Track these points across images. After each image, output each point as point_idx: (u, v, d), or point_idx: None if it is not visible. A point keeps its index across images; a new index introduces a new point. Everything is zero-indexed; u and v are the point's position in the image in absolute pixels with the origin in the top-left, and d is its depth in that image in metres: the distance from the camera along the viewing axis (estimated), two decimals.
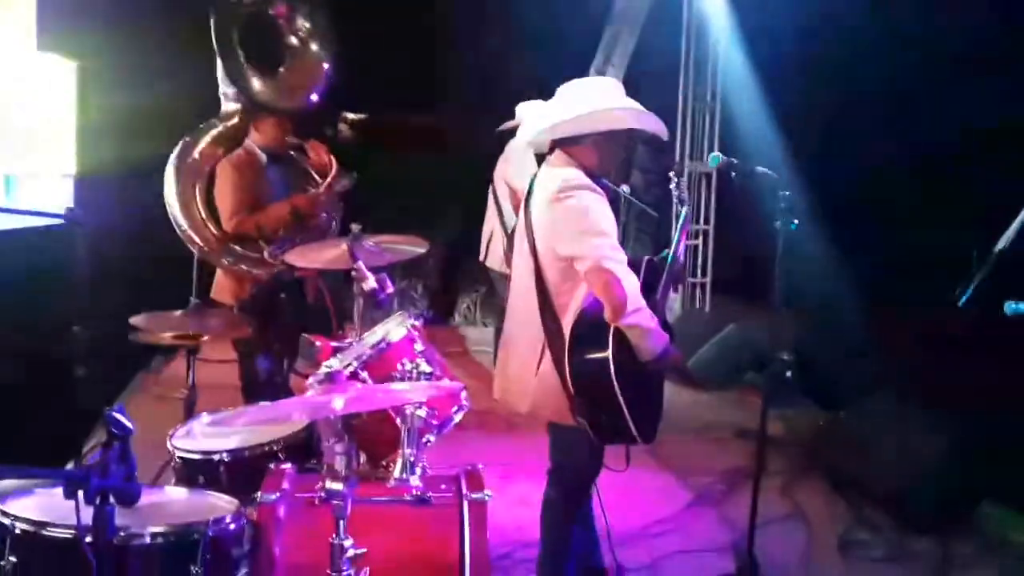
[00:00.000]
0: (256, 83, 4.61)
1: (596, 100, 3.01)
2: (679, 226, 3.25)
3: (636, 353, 2.89)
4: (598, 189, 2.99)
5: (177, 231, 4.57)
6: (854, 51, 5.60)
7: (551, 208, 2.96)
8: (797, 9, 5.92)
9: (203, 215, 4.58)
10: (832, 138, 5.95)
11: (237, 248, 4.51)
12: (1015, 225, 3.23)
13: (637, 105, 3.05)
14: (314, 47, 4.75)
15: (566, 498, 3.22)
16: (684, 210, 3.28)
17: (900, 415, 4.66)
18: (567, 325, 2.95)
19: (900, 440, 4.45)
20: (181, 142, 4.69)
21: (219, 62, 4.71)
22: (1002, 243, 3.14)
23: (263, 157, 4.57)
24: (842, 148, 5.92)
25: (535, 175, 3.19)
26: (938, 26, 5.28)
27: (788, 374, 6.12)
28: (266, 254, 4.41)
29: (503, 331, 3.29)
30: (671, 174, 3.40)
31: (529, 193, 3.15)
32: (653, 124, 3.08)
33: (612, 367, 2.81)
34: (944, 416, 4.30)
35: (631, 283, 2.84)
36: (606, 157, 3.06)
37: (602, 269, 2.81)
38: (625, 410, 2.82)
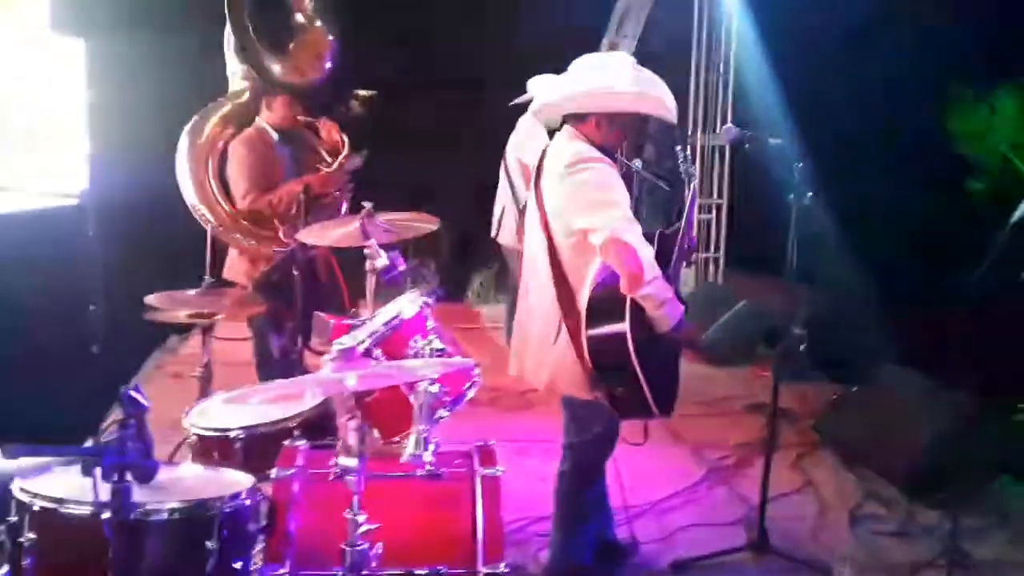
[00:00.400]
0: (269, 61, 4.61)
1: (604, 78, 3.00)
2: (688, 200, 3.22)
3: (653, 324, 2.88)
4: (608, 160, 2.99)
5: (191, 209, 4.60)
6: (867, 23, 5.53)
7: (563, 182, 2.96)
8: None
9: (216, 193, 4.61)
10: (848, 109, 5.89)
11: (251, 227, 4.53)
12: None
13: (651, 84, 3.00)
14: (318, 23, 4.75)
15: (581, 473, 3.23)
16: (693, 184, 3.24)
17: (910, 389, 4.65)
18: (582, 299, 2.95)
19: (910, 414, 4.45)
20: (191, 121, 4.70)
21: (227, 40, 4.72)
22: (1016, 216, 3.13)
23: (274, 135, 4.58)
24: (855, 120, 5.86)
25: (544, 150, 3.18)
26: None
27: (801, 348, 6.11)
28: (281, 233, 4.44)
29: (517, 309, 3.28)
30: (677, 148, 3.36)
31: (539, 168, 3.15)
32: (658, 108, 3.03)
33: (630, 339, 2.80)
34: (954, 390, 4.28)
35: (646, 253, 2.83)
36: (612, 135, 3.05)
37: (617, 240, 2.79)
38: (644, 382, 2.81)
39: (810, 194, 3.31)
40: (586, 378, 2.94)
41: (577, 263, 2.98)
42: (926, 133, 5.40)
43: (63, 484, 2.30)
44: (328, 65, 4.78)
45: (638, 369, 2.80)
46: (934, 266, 4.64)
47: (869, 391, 4.91)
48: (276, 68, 4.64)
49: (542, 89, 3.46)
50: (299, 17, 4.77)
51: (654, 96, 3.01)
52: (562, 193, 2.97)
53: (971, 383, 3.89)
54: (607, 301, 2.86)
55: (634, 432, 3.15)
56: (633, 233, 2.84)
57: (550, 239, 3.02)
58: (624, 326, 2.81)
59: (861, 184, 5.71)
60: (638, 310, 2.84)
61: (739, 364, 6.53)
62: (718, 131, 7.26)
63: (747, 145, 3.48)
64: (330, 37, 4.78)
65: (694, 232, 3.33)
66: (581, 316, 2.92)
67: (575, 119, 3.04)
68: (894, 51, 5.55)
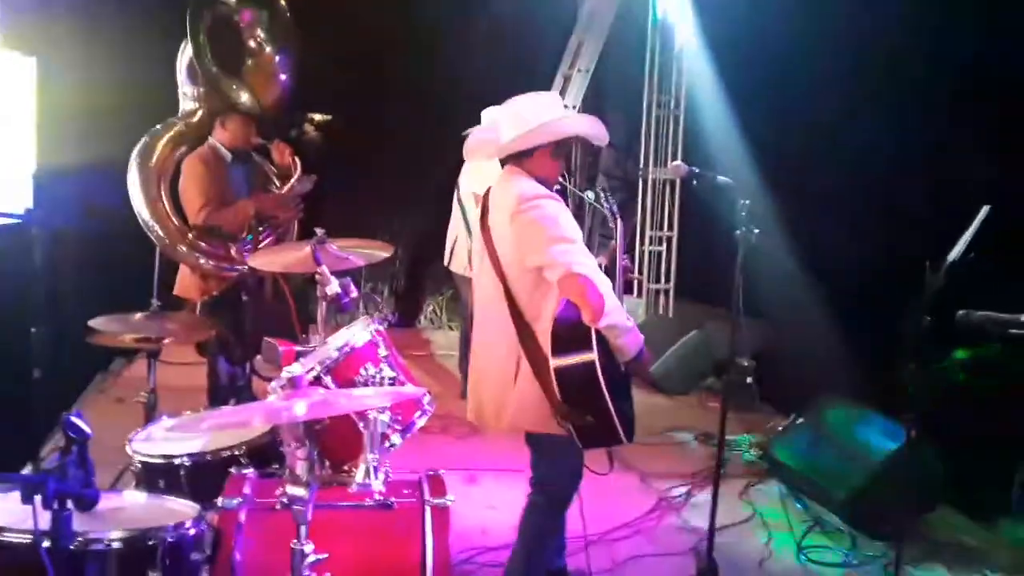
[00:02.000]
0: (226, 83, 4.61)
1: (540, 113, 3.07)
2: (618, 238, 3.29)
3: (616, 353, 2.93)
4: (556, 196, 3.04)
5: (144, 227, 4.55)
6: (819, 55, 5.68)
7: (513, 222, 2.99)
8: (762, 15, 6.00)
9: (168, 210, 4.58)
10: (799, 144, 6.03)
11: (202, 244, 4.49)
12: (966, 236, 3.31)
13: (578, 115, 3.22)
14: (268, 48, 4.76)
15: (553, 506, 3.25)
16: (619, 222, 3.33)
17: (855, 419, 4.74)
18: (541, 333, 2.97)
19: (854, 444, 4.53)
20: (141, 141, 4.66)
21: (180, 61, 4.69)
22: (953, 254, 3.23)
23: (227, 155, 4.56)
24: (809, 155, 5.99)
25: (486, 193, 3.23)
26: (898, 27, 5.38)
27: (749, 380, 6.21)
28: (233, 251, 4.42)
29: (472, 351, 3.30)
30: (599, 189, 3.50)
31: (484, 209, 3.18)
32: (593, 127, 3.17)
33: (599, 367, 2.84)
34: (896, 421, 4.38)
35: (605, 285, 2.88)
36: (553, 166, 3.12)
37: (575, 275, 2.83)
38: (612, 410, 2.85)
39: (756, 231, 3.38)
40: (552, 412, 2.95)
41: (533, 299, 3.01)
42: (881, 167, 5.55)
43: (1, 512, 2.23)
44: (278, 91, 4.78)
45: (607, 396, 2.84)
46: (883, 300, 4.75)
47: (814, 421, 4.99)
48: (233, 90, 4.63)
49: (476, 134, 3.53)
50: (251, 42, 4.76)
51: (588, 119, 3.17)
52: (514, 233, 3.00)
53: (911, 415, 3.97)
54: (571, 333, 2.89)
55: (597, 461, 3.17)
56: (589, 266, 2.88)
57: (503, 278, 3.04)
58: (593, 355, 2.85)
59: (812, 218, 5.84)
60: (601, 339, 2.89)
61: (687, 394, 6.61)
62: (669, 165, 7.37)
63: (695, 182, 3.56)
64: (278, 61, 4.78)
65: (626, 260, 3.42)
66: (544, 350, 2.94)
67: (517, 157, 3.10)
68: (850, 86, 5.70)
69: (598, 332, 2.87)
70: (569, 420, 2.91)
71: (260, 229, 4.51)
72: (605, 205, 3.40)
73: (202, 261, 4.50)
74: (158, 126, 4.78)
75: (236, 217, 4.43)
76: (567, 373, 2.88)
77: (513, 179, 3.08)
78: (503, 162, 3.20)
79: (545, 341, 2.94)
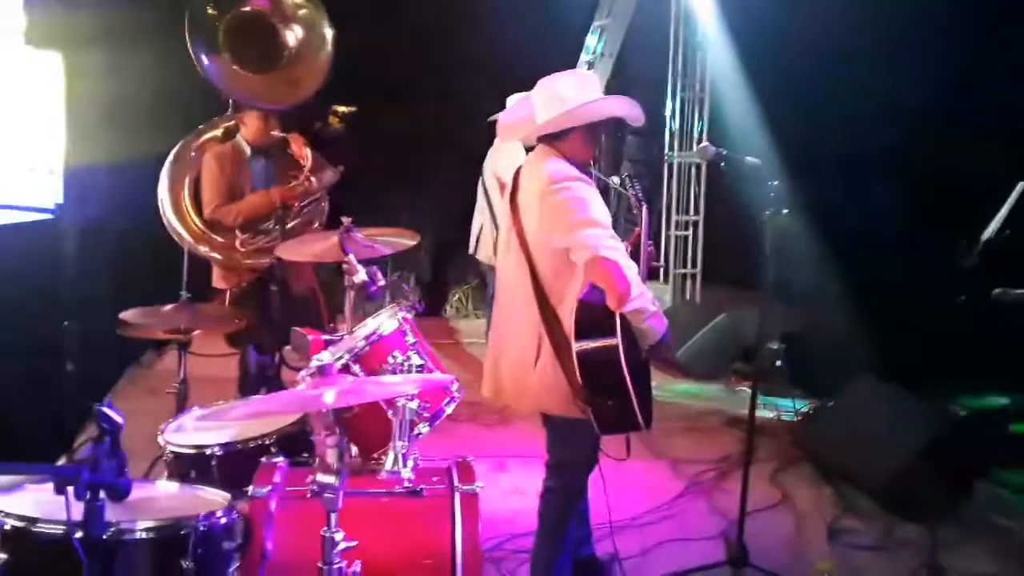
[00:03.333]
0: (238, 83, 4.59)
1: (578, 94, 3.03)
2: (643, 224, 3.25)
3: (640, 337, 2.92)
4: (587, 179, 3.02)
5: (164, 220, 4.60)
6: (842, 40, 5.61)
7: (542, 202, 2.97)
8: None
9: (187, 204, 4.63)
10: (820, 127, 5.97)
11: (213, 236, 4.56)
12: (1001, 213, 3.26)
13: (614, 97, 3.13)
14: (320, 31, 4.69)
15: (568, 490, 3.24)
16: (644, 208, 3.27)
17: (885, 402, 4.69)
18: (565, 316, 2.95)
19: (885, 427, 4.48)
20: (183, 140, 4.72)
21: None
22: (988, 233, 3.18)
23: (247, 150, 4.59)
24: (830, 137, 5.93)
25: (517, 171, 3.20)
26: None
27: (777, 363, 6.16)
28: (238, 243, 4.47)
29: (492, 330, 3.28)
30: (625, 176, 3.45)
31: (514, 188, 3.16)
32: (630, 110, 3.13)
33: (621, 352, 2.82)
34: (929, 402, 4.33)
35: (631, 269, 2.87)
36: (587, 149, 3.10)
37: (602, 258, 2.81)
38: (633, 396, 2.83)
39: (785, 211, 3.34)
40: (572, 395, 2.94)
41: (557, 281, 2.99)
42: (906, 150, 5.48)
43: (35, 503, 2.26)
44: (317, 85, 4.74)
45: (628, 382, 2.82)
46: (911, 280, 4.70)
47: (845, 404, 4.95)
48: (247, 89, 4.60)
49: (512, 114, 3.48)
50: (292, 35, 4.71)
51: (625, 100, 3.11)
52: (542, 212, 2.98)
53: (946, 395, 3.93)
54: (595, 316, 2.87)
55: (617, 448, 3.15)
56: (617, 250, 2.86)
57: (529, 258, 3.03)
58: (616, 340, 2.82)
59: (838, 199, 5.78)
60: (626, 324, 2.86)
61: (716, 379, 6.57)
62: (695, 149, 7.32)
63: (723, 164, 3.52)
64: (325, 59, 4.73)
65: (651, 247, 3.37)
66: (567, 332, 2.93)
67: (552, 138, 3.07)
68: (873, 70, 5.63)
69: (622, 317, 2.85)
70: (589, 404, 2.90)
71: (287, 220, 4.53)
72: (631, 191, 3.36)
73: (212, 255, 4.56)
74: (201, 125, 4.82)
75: (250, 210, 4.48)
76: (589, 357, 2.86)
77: (545, 159, 3.05)
78: (535, 143, 3.17)
79: (568, 323, 2.92)
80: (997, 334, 4.12)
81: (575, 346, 2.88)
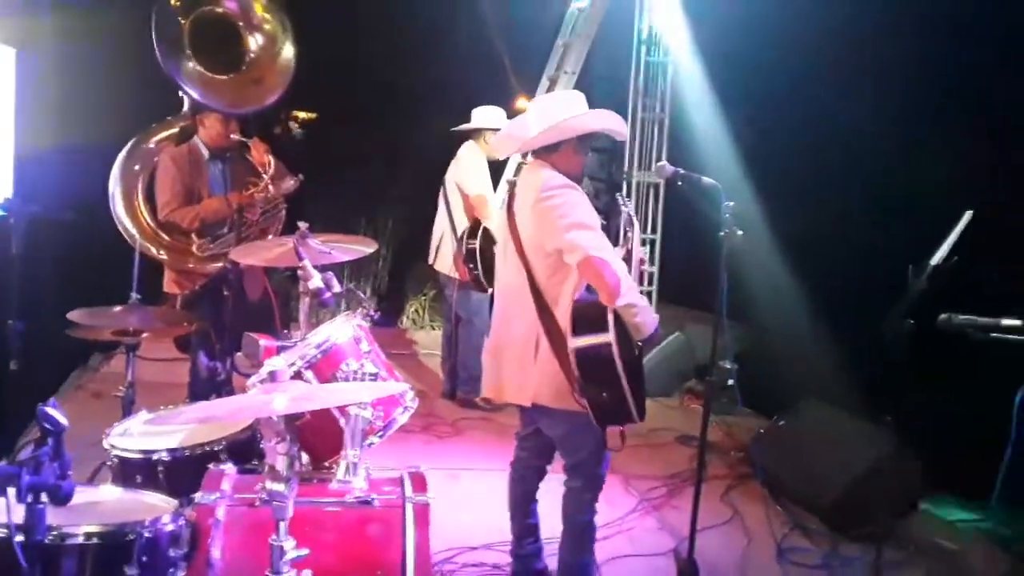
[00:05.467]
0: (200, 83, 4.55)
1: (570, 108, 3.27)
2: (634, 234, 3.42)
3: (634, 331, 3.09)
4: (578, 187, 3.22)
5: (113, 217, 4.54)
6: (806, 61, 5.71)
7: (536, 208, 3.15)
8: (748, 20, 6.03)
9: (140, 203, 4.59)
10: (784, 148, 6.06)
11: (164, 237, 4.51)
12: (949, 240, 3.33)
13: (600, 111, 3.33)
14: (279, 46, 4.69)
15: (590, 485, 3.34)
16: (635, 223, 3.49)
17: (833, 423, 4.76)
18: (561, 316, 3.12)
19: (835, 448, 4.55)
20: (135, 138, 4.66)
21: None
22: (936, 259, 3.24)
23: (205, 153, 4.54)
24: (793, 158, 6.03)
25: (514, 181, 3.39)
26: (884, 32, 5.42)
27: (730, 382, 6.23)
28: (195, 247, 4.43)
29: (491, 334, 3.43)
30: (618, 195, 3.69)
31: (511, 198, 3.35)
32: (617, 124, 3.36)
33: (615, 347, 2.95)
34: (877, 424, 4.40)
35: (621, 267, 3.03)
36: (576, 160, 3.32)
37: (593, 258, 2.98)
38: (627, 390, 2.96)
39: (740, 232, 3.40)
40: (570, 388, 3.07)
41: (552, 281, 3.17)
42: (864, 171, 5.59)
43: None
44: (272, 99, 4.73)
45: (623, 376, 2.95)
46: (866, 304, 4.76)
47: (795, 425, 5.01)
48: (210, 91, 4.56)
49: (507, 129, 3.65)
50: (255, 39, 4.69)
51: (609, 114, 3.32)
52: (536, 218, 3.16)
53: (891, 418, 3.98)
54: (590, 313, 3.01)
55: (610, 439, 3.24)
56: (607, 250, 3.05)
57: (526, 262, 3.21)
58: (609, 336, 2.96)
59: (798, 221, 5.87)
60: (619, 321, 3.01)
61: (670, 396, 6.63)
62: (653, 168, 7.39)
63: (680, 183, 3.59)
64: (288, 64, 4.71)
65: (643, 254, 3.64)
66: (563, 330, 3.08)
67: (545, 151, 3.28)
68: (833, 92, 5.74)
69: (614, 314, 2.98)
70: (585, 397, 3.02)
71: (243, 227, 4.49)
72: (624, 208, 3.56)
73: (163, 255, 4.51)
74: (154, 124, 4.75)
75: (207, 214, 4.44)
76: (585, 353, 2.99)
77: (539, 170, 3.25)
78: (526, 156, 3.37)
79: (564, 322, 3.09)
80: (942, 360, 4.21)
81: (571, 343, 3.02)
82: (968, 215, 3.34)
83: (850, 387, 5.05)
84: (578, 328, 3.02)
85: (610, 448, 3.27)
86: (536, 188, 3.17)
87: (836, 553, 4.14)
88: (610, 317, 2.98)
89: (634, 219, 3.51)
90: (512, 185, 3.42)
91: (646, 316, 3.10)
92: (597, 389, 3.00)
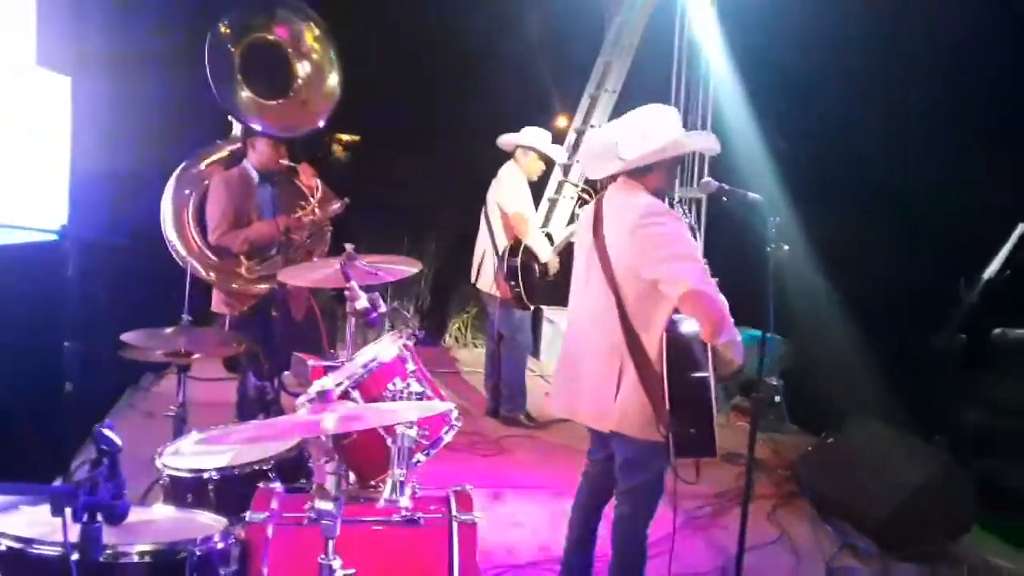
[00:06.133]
0: (251, 109, 4.64)
1: (661, 130, 3.16)
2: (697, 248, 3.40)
3: (725, 366, 3.05)
4: (678, 215, 3.18)
5: (166, 240, 4.64)
6: (848, 73, 5.66)
7: (634, 234, 3.07)
8: (789, 33, 5.99)
9: (191, 224, 4.67)
10: (826, 162, 6.00)
11: (213, 258, 4.59)
12: (1002, 253, 3.27)
13: (699, 133, 3.31)
14: (326, 74, 4.78)
15: (641, 514, 3.31)
16: (700, 237, 3.44)
17: (884, 440, 4.68)
18: (649, 343, 3.07)
19: (886, 466, 4.47)
20: (185, 161, 4.76)
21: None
22: (988, 272, 3.19)
23: (255, 177, 4.63)
24: (836, 172, 5.97)
25: (600, 200, 3.30)
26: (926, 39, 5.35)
27: (777, 399, 6.15)
28: (243, 269, 4.50)
29: (563, 356, 3.38)
30: (677, 206, 3.58)
31: (597, 218, 3.26)
32: (714, 143, 3.31)
33: (712, 383, 2.94)
34: (928, 441, 4.31)
35: (724, 303, 2.99)
36: (671, 179, 3.29)
37: (699, 292, 2.93)
38: (715, 425, 2.97)
39: (786, 247, 3.37)
40: (654, 420, 3.03)
41: (643, 308, 3.09)
42: (912, 185, 5.51)
43: (32, 524, 2.24)
44: (319, 122, 4.81)
45: (713, 412, 2.96)
46: (914, 319, 4.69)
47: (844, 442, 4.93)
48: (261, 116, 4.66)
49: (590, 149, 3.54)
50: (303, 67, 4.79)
51: (708, 135, 3.34)
52: (635, 244, 3.07)
53: (942, 435, 3.92)
54: (686, 347, 2.99)
55: (685, 471, 3.22)
56: (711, 284, 2.99)
57: (615, 287, 3.12)
58: (708, 373, 2.96)
59: (841, 235, 5.80)
60: (713, 356, 2.99)
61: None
62: (696, 184, 7.36)
63: (725, 199, 3.54)
64: (334, 91, 4.79)
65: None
66: (651, 360, 3.05)
67: (637, 172, 3.18)
68: (879, 106, 5.68)
69: (714, 350, 2.96)
70: (671, 430, 2.98)
71: (291, 249, 4.57)
72: (685, 220, 3.50)
73: (211, 276, 4.59)
74: (201, 151, 4.85)
75: (256, 237, 4.52)
76: (682, 387, 2.97)
77: (635, 194, 3.16)
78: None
79: (652, 351, 3.05)
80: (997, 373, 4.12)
81: (666, 378, 2.98)
82: (1021, 227, 3.28)
83: (899, 403, 4.96)
84: (675, 362, 2.99)
85: (684, 480, 3.20)
86: (635, 213, 3.07)
87: (887, 573, 4.06)
88: (709, 353, 2.95)
89: (696, 231, 3.49)
90: (597, 207, 3.30)
91: (739, 351, 3.04)
92: (687, 423, 2.98)
